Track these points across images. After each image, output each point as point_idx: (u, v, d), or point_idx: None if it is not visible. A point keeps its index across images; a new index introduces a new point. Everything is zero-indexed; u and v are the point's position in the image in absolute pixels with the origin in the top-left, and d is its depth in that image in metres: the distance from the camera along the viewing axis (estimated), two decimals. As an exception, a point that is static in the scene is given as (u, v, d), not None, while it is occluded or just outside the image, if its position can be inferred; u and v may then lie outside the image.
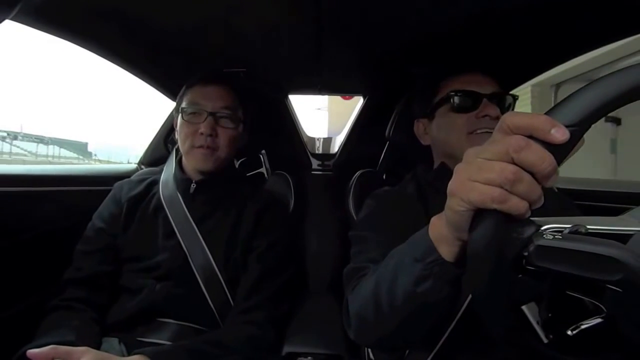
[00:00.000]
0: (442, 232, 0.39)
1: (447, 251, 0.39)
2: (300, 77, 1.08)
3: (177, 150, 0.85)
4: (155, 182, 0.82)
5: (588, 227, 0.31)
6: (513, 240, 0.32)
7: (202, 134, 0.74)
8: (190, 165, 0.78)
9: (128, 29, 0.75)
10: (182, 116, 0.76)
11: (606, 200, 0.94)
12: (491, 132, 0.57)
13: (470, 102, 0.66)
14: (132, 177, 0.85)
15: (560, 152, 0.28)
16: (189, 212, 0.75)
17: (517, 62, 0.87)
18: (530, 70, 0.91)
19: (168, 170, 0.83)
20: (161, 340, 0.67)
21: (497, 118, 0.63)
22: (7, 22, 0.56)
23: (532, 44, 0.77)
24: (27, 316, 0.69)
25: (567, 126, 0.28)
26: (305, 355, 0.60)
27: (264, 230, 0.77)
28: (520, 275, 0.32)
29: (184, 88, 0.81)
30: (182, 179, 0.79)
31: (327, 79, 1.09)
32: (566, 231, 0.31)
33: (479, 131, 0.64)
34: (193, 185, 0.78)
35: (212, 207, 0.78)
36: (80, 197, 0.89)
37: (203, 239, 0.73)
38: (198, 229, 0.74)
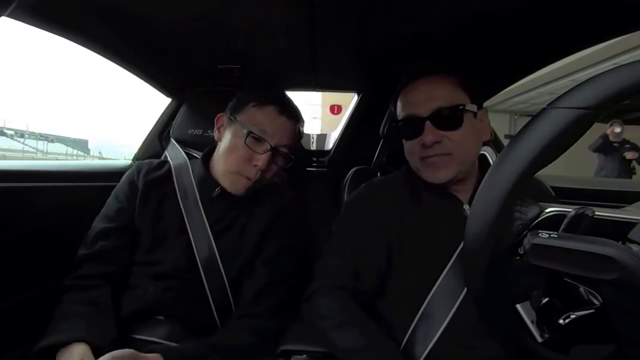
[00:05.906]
0: None
1: None
2: (295, 73, 1.09)
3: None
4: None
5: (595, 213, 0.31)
6: (516, 221, 0.32)
7: (255, 166, 0.70)
8: (223, 183, 0.74)
9: (122, 26, 0.76)
10: (244, 138, 0.70)
11: (606, 199, 0.94)
12: (441, 156, 0.61)
13: (414, 130, 0.62)
14: (153, 161, 0.82)
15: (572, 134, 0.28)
16: (205, 213, 0.73)
17: (508, 61, 0.86)
18: (521, 70, 0.90)
19: (180, 162, 0.80)
20: (157, 338, 0.65)
21: (437, 142, 0.59)
22: (4, 20, 0.57)
23: (525, 43, 0.77)
24: (26, 310, 0.70)
25: (580, 108, 0.28)
26: (301, 353, 0.58)
27: (276, 234, 0.75)
28: (517, 258, 0.33)
29: (242, 95, 0.75)
30: (205, 179, 0.76)
31: (322, 76, 1.10)
32: (571, 214, 0.31)
33: (428, 160, 0.61)
34: (217, 190, 0.74)
35: (229, 209, 0.75)
36: (75, 193, 0.88)
37: (214, 240, 0.71)
38: (211, 230, 0.72)
